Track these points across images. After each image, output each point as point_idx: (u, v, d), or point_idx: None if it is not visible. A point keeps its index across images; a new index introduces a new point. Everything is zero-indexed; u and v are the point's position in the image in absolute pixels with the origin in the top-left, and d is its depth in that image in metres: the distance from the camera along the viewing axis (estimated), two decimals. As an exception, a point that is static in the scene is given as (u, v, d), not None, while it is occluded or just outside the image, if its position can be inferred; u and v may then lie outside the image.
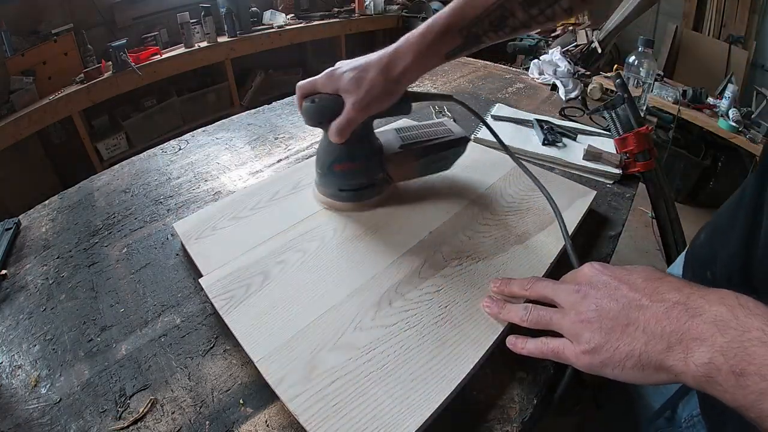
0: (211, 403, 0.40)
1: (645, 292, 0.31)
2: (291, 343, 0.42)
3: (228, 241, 0.55)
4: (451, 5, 0.49)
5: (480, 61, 1.35)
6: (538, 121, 0.88)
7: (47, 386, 0.42)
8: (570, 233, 0.57)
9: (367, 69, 0.49)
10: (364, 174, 0.58)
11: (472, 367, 0.40)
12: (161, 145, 0.85)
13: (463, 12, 0.48)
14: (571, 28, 2.08)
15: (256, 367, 0.41)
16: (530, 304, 0.40)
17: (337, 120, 0.50)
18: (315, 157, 0.60)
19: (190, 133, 0.89)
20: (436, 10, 3.03)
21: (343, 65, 0.51)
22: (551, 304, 0.39)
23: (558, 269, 0.53)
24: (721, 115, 2.08)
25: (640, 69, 0.97)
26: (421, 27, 0.49)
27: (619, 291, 0.33)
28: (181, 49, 2.28)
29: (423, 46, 0.49)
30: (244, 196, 0.64)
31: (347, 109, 0.50)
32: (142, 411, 0.39)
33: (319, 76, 0.52)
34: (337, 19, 2.84)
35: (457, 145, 0.58)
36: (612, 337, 0.31)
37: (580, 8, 0.48)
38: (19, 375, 0.43)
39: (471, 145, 0.82)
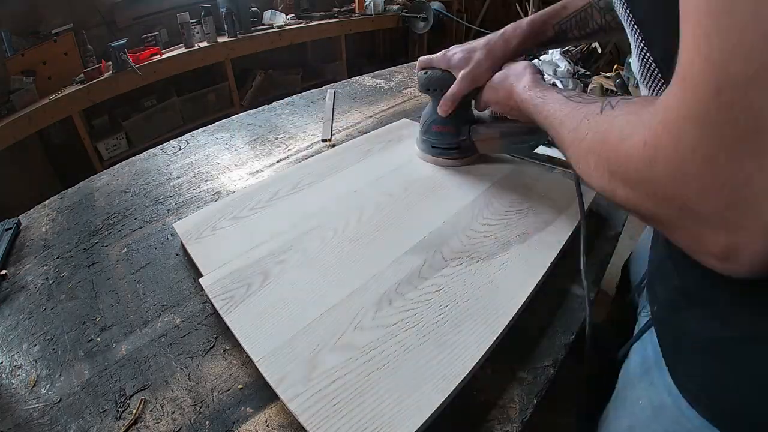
0: (211, 403, 0.40)
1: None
2: (291, 343, 0.42)
3: (228, 241, 0.55)
4: (550, 7, 0.64)
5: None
6: (538, 121, 0.88)
7: (47, 386, 0.42)
8: (571, 231, 0.57)
9: (475, 49, 0.63)
10: (454, 137, 0.69)
11: (472, 367, 0.40)
12: (161, 145, 0.85)
13: (558, 11, 0.63)
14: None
15: (256, 367, 0.41)
16: None
17: (447, 92, 0.64)
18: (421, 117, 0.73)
19: (190, 133, 0.89)
20: (437, 10, 3.02)
21: (455, 47, 0.65)
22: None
23: (558, 268, 0.53)
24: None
25: (640, 69, 0.97)
26: (527, 19, 0.63)
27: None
28: (181, 49, 2.28)
29: (528, 34, 0.63)
30: (244, 196, 0.64)
31: (456, 82, 0.63)
32: (135, 413, 0.39)
33: (436, 54, 0.66)
34: (337, 19, 2.84)
35: (537, 134, 0.61)
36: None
37: None
38: (19, 375, 0.43)
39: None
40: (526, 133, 0.63)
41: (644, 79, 0.36)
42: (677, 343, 0.38)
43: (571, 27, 0.62)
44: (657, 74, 0.34)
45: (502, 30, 0.63)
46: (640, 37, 0.34)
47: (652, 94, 0.36)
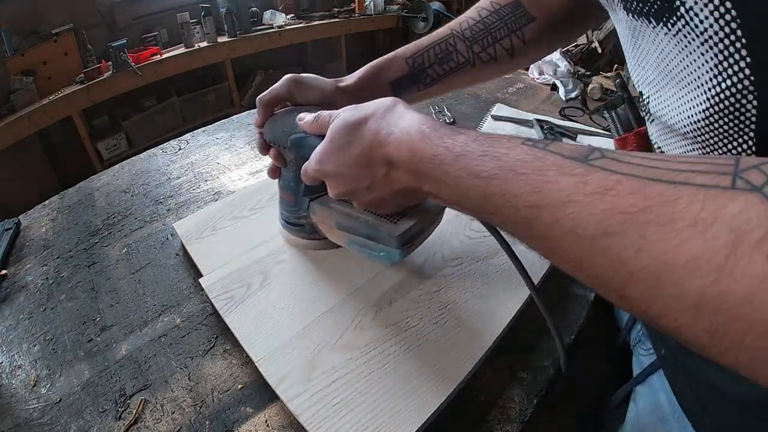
0: (211, 403, 0.40)
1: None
2: (291, 343, 0.42)
3: (228, 241, 0.55)
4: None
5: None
6: (538, 121, 0.88)
7: (47, 386, 0.42)
8: None
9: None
10: (293, 210, 0.50)
11: (472, 367, 0.40)
12: (161, 145, 0.84)
13: (414, 44, 0.49)
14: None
15: (256, 367, 0.41)
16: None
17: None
18: None
19: (190, 133, 0.89)
20: (437, 10, 3.02)
21: None
22: None
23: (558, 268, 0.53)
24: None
25: (640, 69, 0.97)
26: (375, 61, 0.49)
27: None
28: (181, 49, 2.27)
29: (368, 72, 0.48)
30: (244, 196, 0.64)
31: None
32: (135, 413, 0.39)
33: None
34: (337, 19, 2.83)
35: (387, 244, 0.38)
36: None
37: (521, 53, 0.49)
38: (19, 375, 0.43)
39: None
40: (370, 235, 0.39)
41: (708, 119, 0.24)
42: (702, 397, 0.34)
43: (430, 61, 0.48)
44: (750, 121, 0.22)
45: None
46: (743, 54, 0.21)
47: (714, 146, 0.24)
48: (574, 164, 0.21)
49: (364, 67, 0.49)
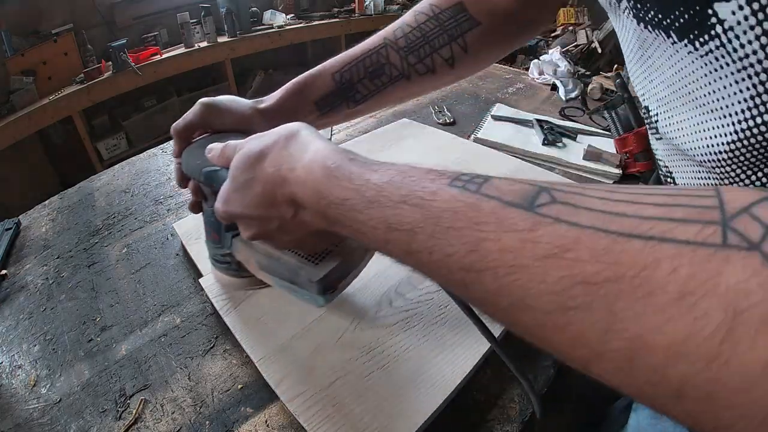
0: (211, 403, 0.40)
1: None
2: (291, 343, 0.42)
3: (228, 241, 0.55)
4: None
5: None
6: (538, 121, 0.88)
7: (47, 386, 0.42)
8: None
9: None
10: (218, 247, 0.45)
11: (472, 367, 0.40)
12: (161, 145, 0.85)
13: (343, 56, 0.45)
14: (571, 28, 2.08)
15: (256, 367, 0.41)
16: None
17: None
18: None
19: (190, 133, 0.89)
20: (436, 10, 3.01)
21: None
22: None
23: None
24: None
25: (640, 69, 0.97)
26: (300, 76, 0.45)
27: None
28: (181, 49, 2.28)
29: (290, 91, 0.44)
30: (244, 196, 0.64)
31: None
32: (135, 413, 0.39)
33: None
34: (337, 19, 2.84)
35: (305, 287, 0.34)
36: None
37: (463, 62, 0.44)
38: (19, 375, 0.43)
39: (472, 145, 0.82)
40: (291, 278, 0.35)
41: (733, 152, 0.21)
42: None
43: (360, 76, 0.44)
44: None
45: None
46: None
47: (733, 178, 0.22)
48: (517, 214, 0.17)
49: (286, 84, 0.44)
